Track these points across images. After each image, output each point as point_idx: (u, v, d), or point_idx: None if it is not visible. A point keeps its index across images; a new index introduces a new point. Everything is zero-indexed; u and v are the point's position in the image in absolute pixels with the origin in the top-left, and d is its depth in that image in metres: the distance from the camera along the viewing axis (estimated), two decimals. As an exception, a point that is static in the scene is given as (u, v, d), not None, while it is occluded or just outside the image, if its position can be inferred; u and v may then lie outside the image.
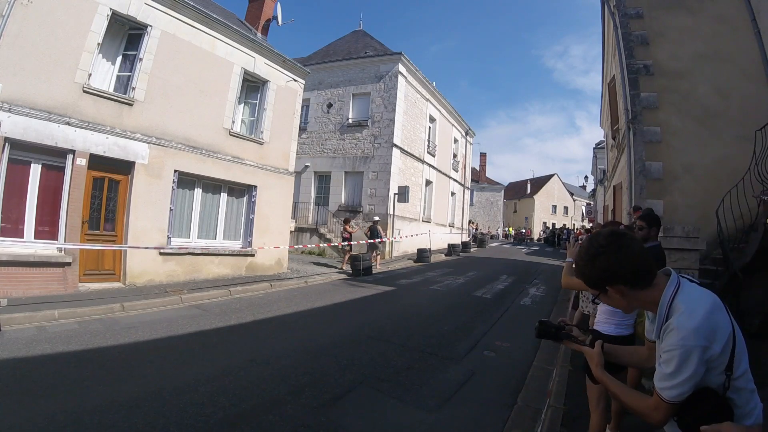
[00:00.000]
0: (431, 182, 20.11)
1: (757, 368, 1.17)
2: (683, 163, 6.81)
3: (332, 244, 14.95)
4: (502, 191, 43.22)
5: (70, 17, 6.56)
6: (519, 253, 22.38)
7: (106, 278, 7.35)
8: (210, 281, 8.55)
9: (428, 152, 19.47)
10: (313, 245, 15.49)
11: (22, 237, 6.27)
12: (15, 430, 2.69)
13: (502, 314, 7.18)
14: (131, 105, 7.47)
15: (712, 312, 1.09)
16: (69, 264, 6.57)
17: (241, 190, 10.00)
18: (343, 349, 4.77)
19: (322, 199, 16.94)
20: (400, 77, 16.11)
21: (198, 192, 9.04)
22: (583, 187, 35.31)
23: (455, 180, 23.99)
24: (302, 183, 16.76)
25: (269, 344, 4.92)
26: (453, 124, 23.37)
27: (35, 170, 6.47)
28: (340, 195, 16.68)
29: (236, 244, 9.87)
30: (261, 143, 10.17)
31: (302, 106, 12.97)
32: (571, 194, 50.71)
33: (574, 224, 44.81)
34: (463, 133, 25.45)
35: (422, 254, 15.17)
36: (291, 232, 13.22)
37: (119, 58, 7.68)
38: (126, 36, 7.75)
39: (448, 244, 18.82)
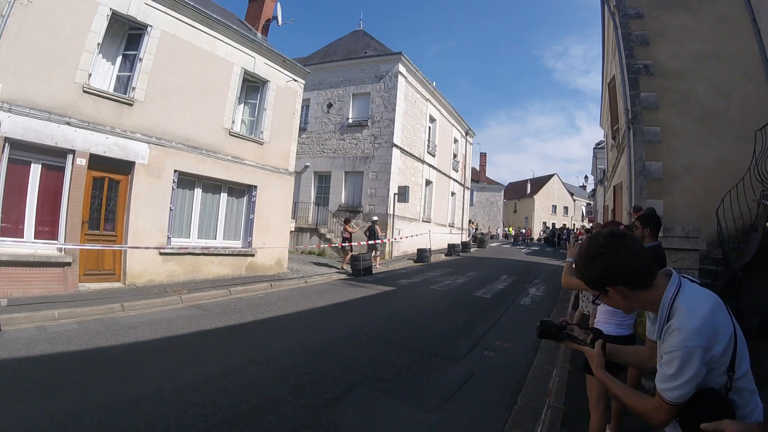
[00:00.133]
0: (431, 182, 20.11)
1: (757, 368, 1.17)
2: (683, 163, 6.81)
3: (332, 244, 14.95)
4: (502, 191, 43.20)
5: (70, 17, 6.56)
6: (519, 253, 22.38)
7: (106, 278, 7.35)
8: (210, 281, 8.55)
9: (428, 152, 19.47)
10: (313, 245, 15.50)
11: (22, 237, 6.27)
12: (15, 430, 2.69)
13: (502, 314, 7.18)
14: (131, 105, 7.47)
15: (714, 312, 1.09)
16: (69, 264, 6.57)
17: (241, 190, 10.00)
18: (343, 349, 4.77)
19: (322, 199, 16.93)
20: (400, 77, 16.11)
21: (198, 192, 9.04)
22: (583, 187, 35.32)
23: (455, 180, 23.98)
24: (302, 183, 16.75)
25: (269, 344, 4.92)
26: (453, 124, 23.37)
27: (35, 170, 6.47)
28: (340, 195, 16.68)
29: (236, 244, 9.87)
30: (261, 143, 10.17)
31: (302, 106, 12.97)
32: (571, 194, 50.71)
33: (574, 224, 44.80)
34: (463, 133, 25.44)
35: (422, 254, 15.16)
36: (291, 232, 13.22)
37: (119, 58, 7.68)
38: (126, 36, 7.75)
39: (448, 244, 18.82)
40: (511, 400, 3.67)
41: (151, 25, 7.72)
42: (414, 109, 17.80)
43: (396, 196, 15.45)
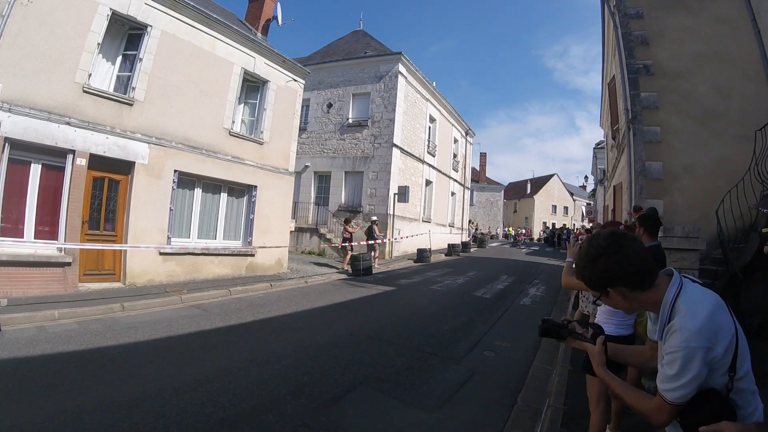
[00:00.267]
0: (431, 182, 20.10)
1: (757, 368, 1.16)
2: (683, 163, 6.82)
3: (332, 244, 14.95)
4: (502, 191, 43.19)
5: (70, 17, 6.55)
6: (519, 253, 22.38)
7: (106, 278, 7.35)
8: (210, 281, 8.55)
9: (428, 152, 19.47)
10: (313, 245, 15.49)
11: (22, 237, 6.27)
12: (15, 430, 2.69)
13: (502, 314, 7.18)
14: (131, 105, 7.47)
15: (715, 313, 1.09)
16: (69, 264, 6.57)
17: (241, 190, 10.00)
18: (343, 349, 4.77)
19: (322, 199, 16.93)
20: (400, 77, 16.11)
21: (198, 192, 9.04)
22: (583, 187, 35.31)
23: (455, 180, 23.98)
24: (302, 183, 16.75)
25: (269, 344, 4.92)
26: (453, 124, 23.37)
27: (35, 170, 6.47)
28: (340, 195, 16.68)
29: (236, 244, 9.87)
30: (261, 143, 10.17)
31: (302, 106, 12.97)
32: (571, 194, 50.71)
33: (574, 224, 44.80)
34: (463, 133, 25.44)
35: (422, 254, 15.16)
36: (291, 232, 13.21)
37: (119, 58, 7.68)
38: (126, 36, 7.75)
39: (448, 244, 18.82)
40: (511, 400, 3.67)
41: (151, 25, 7.71)
42: (414, 109, 17.79)
43: (396, 196, 15.45)
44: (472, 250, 21.32)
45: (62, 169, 6.70)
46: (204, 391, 3.43)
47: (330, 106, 17.27)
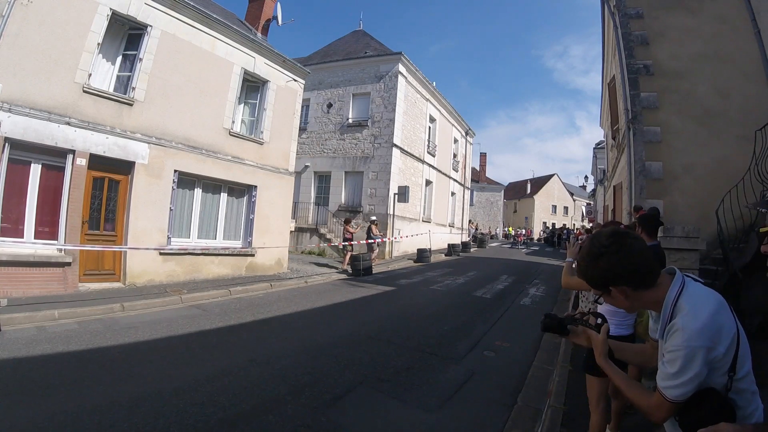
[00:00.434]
0: (431, 182, 20.10)
1: (757, 368, 1.16)
2: (683, 163, 6.82)
3: (332, 244, 14.95)
4: (502, 191, 43.19)
5: (70, 17, 6.55)
6: (519, 253, 22.37)
7: (106, 278, 7.35)
8: (210, 281, 8.55)
9: (428, 152, 19.47)
10: (313, 245, 15.49)
11: (22, 237, 6.27)
12: (15, 430, 2.69)
13: (502, 314, 7.18)
14: (131, 105, 7.47)
15: (717, 313, 1.09)
16: (69, 264, 6.57)
17: (241, 190, 10.00)
18: (343, 349, 4.77)
19: (322, 199, 16.93)
20: (400, 77, 16.11)
21: (198, 192, 9.04)
22: (583, 187, 35.30)
23: (455, 180, 23.98)
24: (302, 183, 16.75)
25: (269, 344, 4.92)
26: (453, 124, 23.37)
27: (35, 170, 6.47)
28: (340, 195, 16.68)
29: (236, 244, 9.87)
30: (261, 143, 10.17)
31: (302, 106, 12.97)
32: (571, 194, 50.71)
33: (574, 224, 44.80)
34: (463, 133, 25.44)
35: (422, 254, 15.16)
36: (291, 232, 13.21)
37: (119, 58, 7.68)
38: (126, 36, 7.74)
39: (448, 244, 18.81)
40: (511, 400, 3.67)
41: (151, 25, 7.71)
42: (414, 109, 17.80)
43: (396, 196, 15.45)
44: (472, 250, 21.32)
45: (62, 169, 6.70)
46: (204, 391, 3.43)
47: (330, 106, 17.27)
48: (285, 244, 10.96)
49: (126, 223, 7.50)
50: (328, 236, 15.40)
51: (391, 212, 15.55)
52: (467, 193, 26.81)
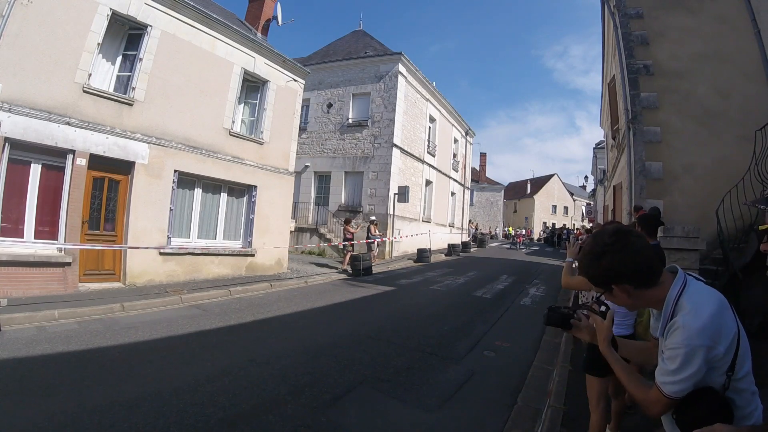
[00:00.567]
0: (431, 182, 20.10)
1: (757, 368, 1.16)
2: (683, 163, 6.82)
3: (332, 244, 14.95)
4: (502, 191, 43.19)
5: (70, 17, 6.55)
6: (519, 253, 22.37)
7: (106, 278, 7.35)
8: (210, 281, 8.55)
9: (428, 152, 19.47)
10: (313, 245, 15.49)
11: (22, 237, 6.27)
12: (15, 430, 2.69)
13: (502, 314, 7.18)
14: (131, 105, 7.47)
15: (719, 312, 1.08)
16: (69, 264, 6.57)
17: (241, 190, 10.00)
18: (343, 349, 4.77)
19: (322, 199, 16.93)
20: (400, 77, 16.11)
21: (198, 192, 9.04)
22: (583, 187, 35.29)
23: (455, 180, 23.98)
24: (302, 183, 16.75)
25: (269, 344, 4.91)
26: (453, 124, 23.36)
27: (35, 170, 6.47)
28: (340, 195, 16.68)
29: (236, 244, 9.87)
30: (261, 143, 10.17)
31: (302, 106, 12.97)
32: (571, 194, 50.72)
33: (574, 224, 44.80)
34: (463, 133, 25.44)
35: (422, 254, 15.16)
36: (291, 232, 13.21)
37: (119, 58, 7.68)
38: (126, 36, 7.74)
39: (448, 244, 18.81)
40: (511, 400, 3.67)
41: (151, 25, 7.71)
42: (414, 109, 17.79)
43: (396, 196, 15.45)
44: (472, 250, 21.32)
45: (62, 169, 6.70)
46: (204, 391, 3.43)
47: (330, 106, 17.27)
48: (285, 244, 10.96)
49: (126, 223, 7.50)
50: (328, 236, 15.40)
51: (391, 212, 15.55)
52: (467, 193, 26.80)
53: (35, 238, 6.41)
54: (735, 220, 5.05)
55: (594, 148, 25.66)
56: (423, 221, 19.03)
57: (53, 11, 6.34)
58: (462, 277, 11.54)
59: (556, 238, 31.42)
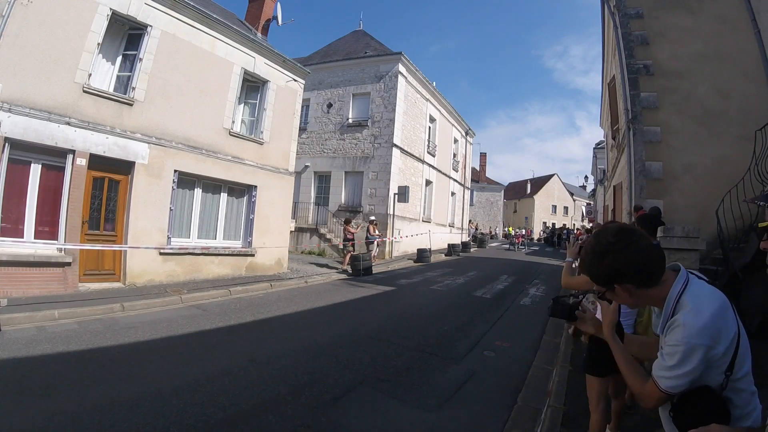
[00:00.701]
0: (431, 182, 20.10)
1: (757, 368, 1.16)
2: (683, 163, 6.82)
3: (332, 244, 14.95)
4: (502, 191, 43.19)
5: (70, 17, 6.55)
6: (519, 253, 22.37)
7: (106, 278, 7.35)
8: (210, 281, 8.55)
9: (428, 152, 19.47)
10: (313, 245, 15.49)
11: (22, 237, 6.27)
12: (15, 430, 2.69)
13: (502, 314, 7.18)
14: (131, 105, 7.47)
15: (720, 312, 1.08)
16: (69, 264, 6.57)
17: (241, 190, 10.00)
18: (343, 349, 4.77)
19: (322, 199, 16.93)
20: (400, 77, 16.11)
21: (198, 192, 9.04)
22: (583, 187, 35.29)
23: (455, 180, 23.98)
24: (302, 183, 16.75)
25: (269, 344, 4.91)
26: (453, 124, 23.36)
27: (35, 170, 6.47)
28: (340, 195, 16.68)
29: (236, 244, 9.87)
30: (261, 143, 10.17)
31: (302, 106, 12.97)
32: (571, 194, 50.72)
33: (574, 224, 44.80)
34: (463, 133, 25.44)
35: (422, 254, 15.16)
36: (291, 232, 13.21)
37: (119, 58, 7.68)
38: (126, 36, 7.74)
39: (448, 244, 18.81)
40: (511, 400, 3.67)
41: (151, 25, 7.71)
42: (414, 109, 17.79)
43: (396, 196, 15.45)
44: (472, 250, 21.32)
45: (62, 169, 6.70)
46: (204, 391, 3.43)
47: (330, 106, 17.27)
48: (285, 244, 10.96)
49: (126, 223, 7.50)
50: (328, 236, 15.40)
51: (391, 212, 15.55)
52: (467, 193, 26.80)
53: (35, 238, 6.41)
54: (735, 220, 5.05)
55: (594, 148, 25.67)
56: (423, 221, 19.03)
57: (53, 11, 6.34)
58: (462, 277, 11.54)
59: (556, 238, 31.41)
